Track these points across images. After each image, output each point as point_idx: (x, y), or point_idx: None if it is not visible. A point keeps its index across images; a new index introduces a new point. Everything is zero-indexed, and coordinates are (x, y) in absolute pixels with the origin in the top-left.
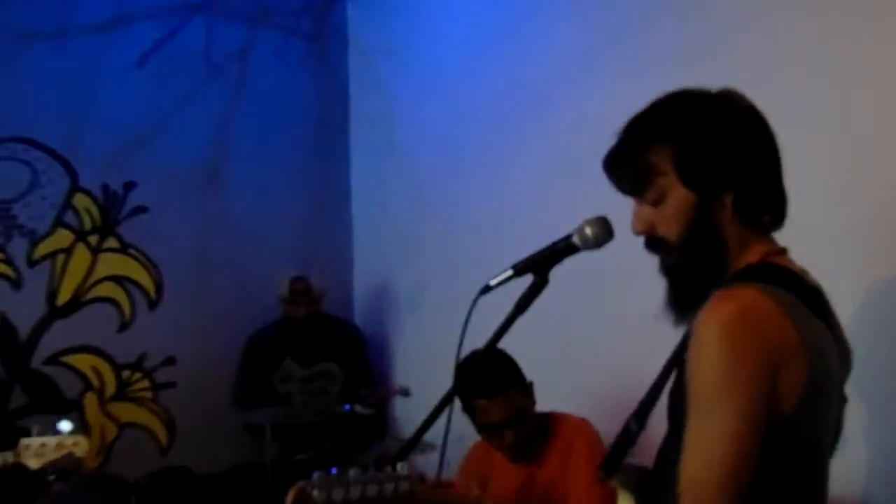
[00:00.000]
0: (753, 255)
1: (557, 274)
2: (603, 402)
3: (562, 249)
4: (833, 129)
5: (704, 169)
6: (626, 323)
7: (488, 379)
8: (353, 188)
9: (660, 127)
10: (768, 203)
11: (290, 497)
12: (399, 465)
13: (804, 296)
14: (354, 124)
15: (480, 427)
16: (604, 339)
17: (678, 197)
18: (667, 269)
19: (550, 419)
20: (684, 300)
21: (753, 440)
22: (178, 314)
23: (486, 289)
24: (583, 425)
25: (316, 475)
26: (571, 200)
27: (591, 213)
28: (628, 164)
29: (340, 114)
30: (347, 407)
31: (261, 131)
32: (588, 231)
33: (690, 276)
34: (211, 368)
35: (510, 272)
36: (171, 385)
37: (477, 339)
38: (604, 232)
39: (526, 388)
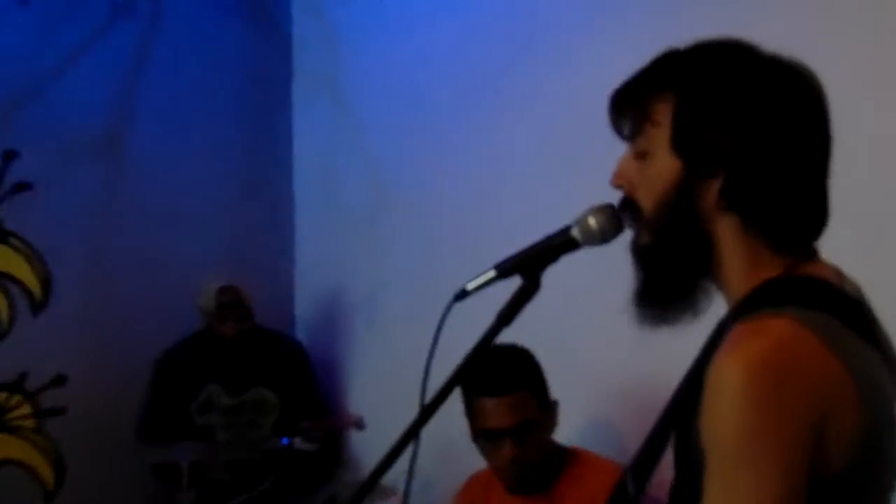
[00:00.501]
0: (774, 266)
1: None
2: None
3: (558, 245)
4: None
5: (698, 138)
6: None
7: (498, 373)
8: (295, 164)
9: (678, 71)
10: (780, 209)
11: None
12: None
13: (846, 315)
14: (298, 83)
15: (477, 434)
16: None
17: (663, 160)
18: (635, 251)
19: (572, 455)
20: (653, 295)
21: None
22: (70, 321)
23: (463, 294)
24: (615, 472)
25: None
26: (567, 184)
27: (595, 201)
28: (628, 99)
29: (281, 69)
30: (285, 441)
31: (178, 89)
32: (592, 222)
33: (662, 263)
34: (112, 391)
35: (492, 273)
36: (59, 412)
37: (449, 357)
38: (612, 224)
39: (544, 400)
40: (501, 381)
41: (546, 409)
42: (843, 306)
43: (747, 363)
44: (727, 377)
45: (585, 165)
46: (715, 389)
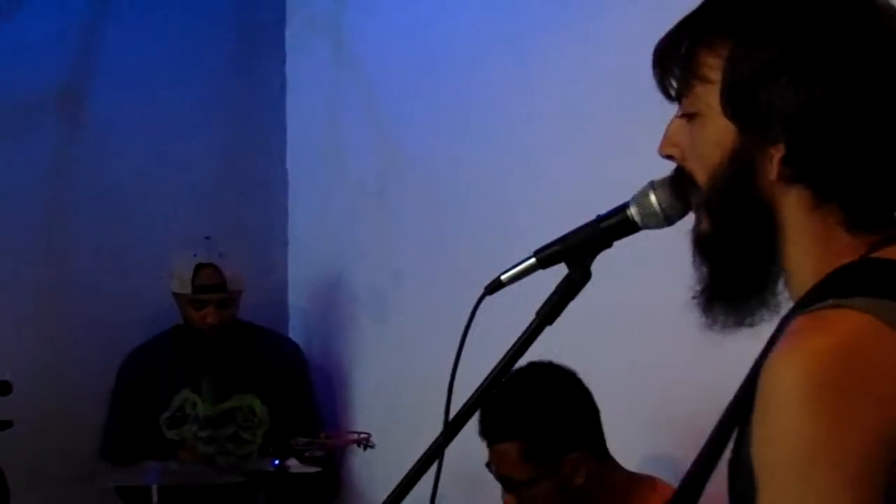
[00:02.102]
0: (850, 249)
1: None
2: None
3: (612, 227)
4: None
5: (752, 97)
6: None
7: (491, 411)
8: (288, 126)
9: (731, 14)
10: (859, 180)
11: None
12: None
13: None
14: (291, 27)
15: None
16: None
17: (716, 125)
18: (696, 237)
19: (640, 488)
20: (721, 291)
21: None
22: (16, 317)
23: (496, 285)
24: None
25: None
26: (601, 158)
27: (632, 176)
28: (673, 50)
29: (270, 10)
30: (275, 462)
31: (147, 35)
32: (654, 199)
33: (727, 253)
34: (65, 400)
35: (532, 261)
36: (4, 425)
37: (476, 361)
38: (679, 201)
39: (550, 456)
40: (489, 424)
41: (547, 466)
42: None
43: (806, 363)
44: (781, 380)
45: (621, 137)
46: (766, 396)
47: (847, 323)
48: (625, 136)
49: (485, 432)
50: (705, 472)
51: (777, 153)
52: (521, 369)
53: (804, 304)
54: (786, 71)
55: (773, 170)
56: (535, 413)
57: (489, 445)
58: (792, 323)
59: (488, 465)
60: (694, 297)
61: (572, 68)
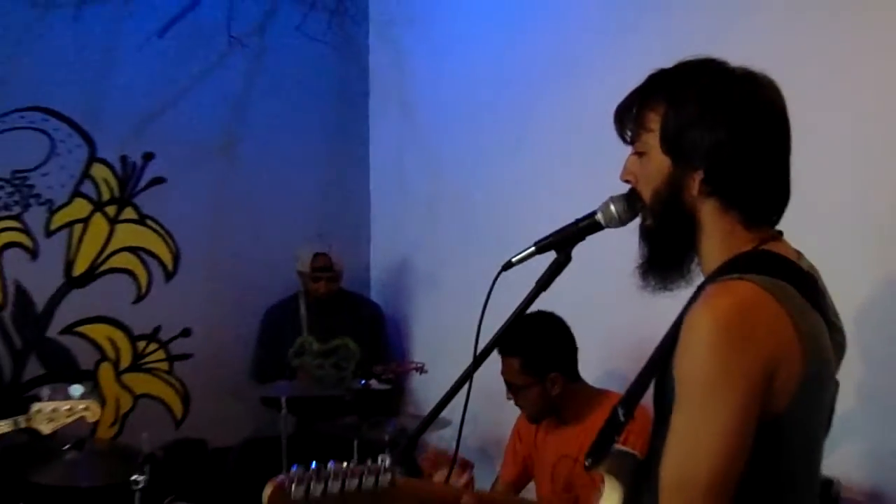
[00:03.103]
0: (745, 242)
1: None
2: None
3: (585, 227)
4: (850, 115)
5: (681, 139)
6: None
7: (505, 336)
8: (371, 162)
9: (665, 86)
10: (751, 193)
11: (267, 492)
12: (380, 458)
13: (799, 284)
14: (373, 97)
15: None
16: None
17: (657, 159)
18: (641, 232)
19: (605, 396)
20: (654, 266)
21: (745, 439)
22: (195, 286)
23: (508, 265)
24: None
25: (294, 469)
26: (591, 178)
27: (615, 191)
28: (627, 111)
29: (359, 87)
30: (363, 382)
31: (279, 104)
32: (613, 208)
33: (659, 241)
34: (227, 341)
35: (532, 249)
36: (186, 357)
37: (497, 316)
38: (628, 209)
39: (540, 370)
40: (504, 342)
41: (537, 377)
42: (798, 278)
43: (716, 314)
44: (699, 324)
45: (606, 163)
46: (688, 334)
47: (743, 289)
48: (603, 164)
49: (500, 348)
50: (645, 383)
51: (698, 177)
52: (529, 314)
53: (714, 277)
54: (701, 122)
55: (695, 187)
56: (532, 341)
57: (502, 357)
58: (707, 288)
59: (503, 372)
60: (636, 269)
61: (566, 117)
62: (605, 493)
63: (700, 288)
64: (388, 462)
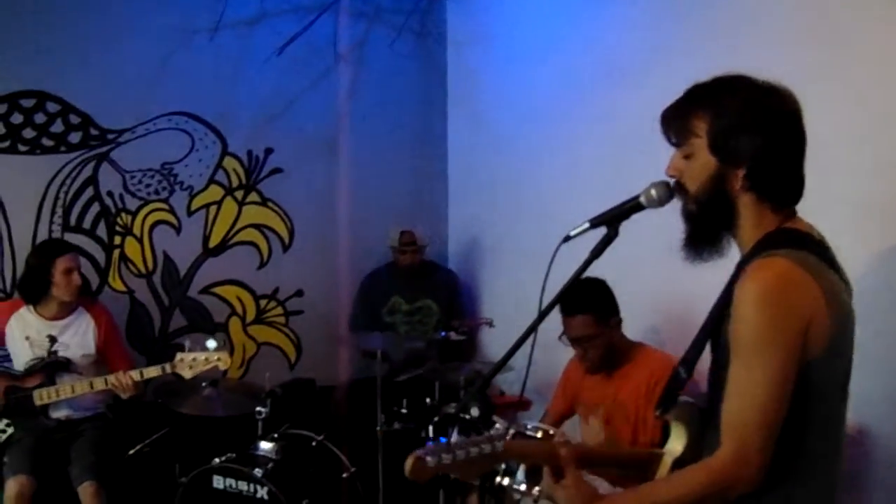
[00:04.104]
0: (772, 223)
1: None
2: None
3: (630, 207)
4: (851, 109)
5: (727, 144)
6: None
7: (573, 298)
8: (449, 157)
9: (709, 99)
10: (781, 185)
11: (408, 464)
12: (493, 428)
13: (818, 252)
14: (451, 104)
15: (566, 336)
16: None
17: (703, 159)
18: (685, 214)
19: (638, 348)
20: (695, 242)
21: (788, 385)
22: (306, 256)
23: (567, 238)
24: (666, 361)
25: (429, 444)
26: (617, 174)
27: (638, 186)
28: (676, 120)
29: (439, 96)
30: (443, 334)
31: (374, 109)
32: (653, 192)
33: (701, 224)
34: (332, 300)
35: (587, 225)
36: (299, 312)
37: (556, 282)
38: (666, 193)
39: (606, 319)
40: (573, 305)
41: (605, 326)
42: (815, 246)
43: (759, 286)
44: (748, 292)
45: (630, 162)
46: (740, 301)
47: (778, 264)
48: (634, 166)
49: (568, 310)
50: (700, 347)
51: (740, 174)
52: (583, 280)
53: (752, 255)
54: (743, 129)
55: (737, 183)
56: (597, 298)
57: (568, 318)
58: (751, 263)
59: (560, 336)
60: (681, 245)
61: (603, 125)
62: (672, 434)
63: (740, 266)
64: (501, 429)
